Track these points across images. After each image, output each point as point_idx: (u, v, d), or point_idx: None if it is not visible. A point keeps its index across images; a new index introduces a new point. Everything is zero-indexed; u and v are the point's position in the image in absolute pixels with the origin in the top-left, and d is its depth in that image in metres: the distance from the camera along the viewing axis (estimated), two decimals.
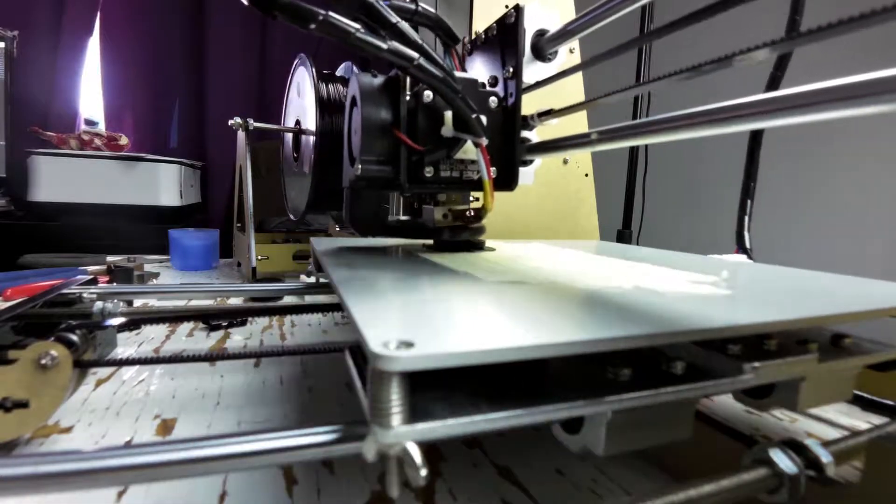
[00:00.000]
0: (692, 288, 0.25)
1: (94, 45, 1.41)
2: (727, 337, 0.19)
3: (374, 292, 0.22)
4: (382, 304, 0.20)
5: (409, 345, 0.13)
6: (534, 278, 0.26)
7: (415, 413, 0.14)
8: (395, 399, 0.14)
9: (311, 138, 0.58)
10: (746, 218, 0.51)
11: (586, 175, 0.68)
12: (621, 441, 0.18)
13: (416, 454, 0.14)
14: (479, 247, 0.38)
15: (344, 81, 0.58)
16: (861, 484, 0.20)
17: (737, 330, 0.18)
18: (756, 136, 0.51)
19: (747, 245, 0.50)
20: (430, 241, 0.40)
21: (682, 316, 0.18)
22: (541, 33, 0.34)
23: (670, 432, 0.19)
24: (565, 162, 0.67)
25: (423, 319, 0.18)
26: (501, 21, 0.33)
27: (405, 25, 0.26)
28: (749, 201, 0.51)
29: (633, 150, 1.17)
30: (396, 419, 0.14)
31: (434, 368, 0.13)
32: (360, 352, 0.18)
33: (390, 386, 0.14)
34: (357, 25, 0.23)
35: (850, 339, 0.23)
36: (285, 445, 0.15)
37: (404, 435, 0.14)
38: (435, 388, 0.16)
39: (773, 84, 0.46)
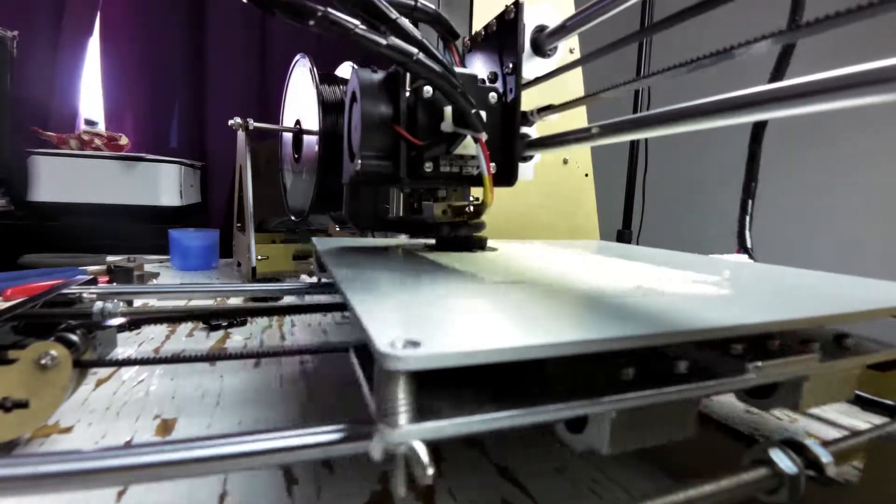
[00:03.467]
0: (694, 288, 0.25)
1: (94, 45, 1.41)
2: (729, 337, 0.19)
3: (379, 292, 0.22)
4: (387, 304, 0.20)
5: (415, 344, 0.14)
6: (537, 278, 0.26)
7: (421, 412, 0.14)
8: (402, 398, 0.14)
9: (313, 139, 0.58)
10: (747, 217, 0.51)
11: (586, 175, 0.68)
12: (625, 440, 0.18)
13: (423, 453, 0.14)
14: (481, 246, 0.38)
15: (345, 82, 0.58)
16: (861, 484, 0.20)
17: (739, 330, 0.18)
18: (757, 136, 0.51)
19: (748, 245, 0.50)
20: (432, 241, 0.40)
21: (685, 316, 0.18)
22: (540, 29, 0.34)
23: (674, 431, 0.19)
24: (565, 162, 0.67)
25: (429, 319, 0.18)
26: (501, 17, 0.33)
27: (405, 21, 0.26)
28: (750, 201, 0.51)
29: (634, 150, 1.17)
30: (403, 418, 0.14)
31: (440, 368, 0.13)
32: (365, 351, 0.18)
33: (397, 385, 0.14)
34: (356, 21, 0.23)
35: (852, 339, 0.23)
36: (289, 445, 0.15)
37: (411, 434, 0.14)
38: (440, 387, 0.16)
39: (777, 76, 0.46)
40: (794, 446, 0.18)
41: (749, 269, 0.35)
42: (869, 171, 1.08)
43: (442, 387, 0.16)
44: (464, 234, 0.37)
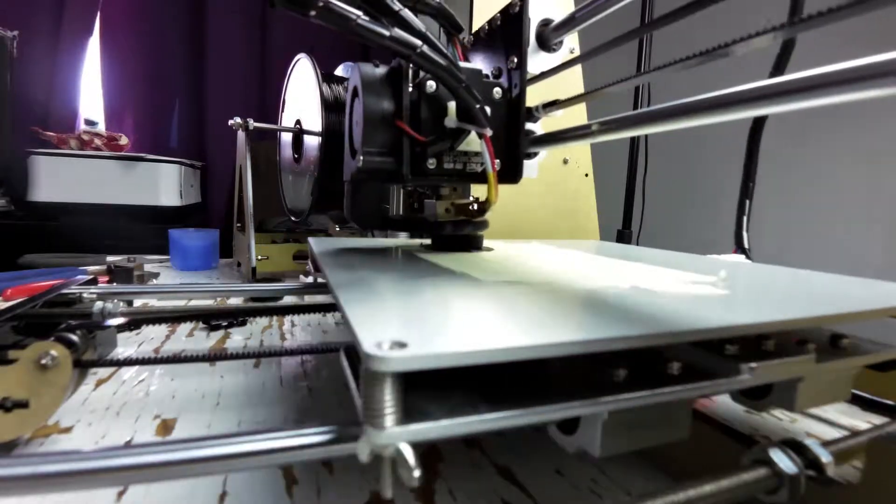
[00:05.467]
0: (689, 288, 0.25)
1: (94, 45, 1.41)
2: (724, 337, 0.19)
3: (370, 293, 0.22)
4: (378, 305, 0.20)
5: (402, 345, 0.13)
6: (531, 278, 0.26)
7: (410, 413, 0.14)
8: (389, 400, 0.14)
9: (313, 139, 0.58)
10: (745, 218, 0.50)
11: (586, 175, 0.68)
12: (617, 442, 0.18)
13: (410, 455, 0.14)
14: (477, 246, 0.38)
15: (345, 82, 0.58)
16: (861, 484, 0.20)
17: (733, 330, 0.18)
18: (754, 136, 0.51)
19: (746, 245, 0.50)
20: (429, 241, 0.40)
21: (679, 316, 0.18)
22: (545, 23, 0.33)
23: (667, 433, 0.19)
24: (565, 162, 0.67)
25: (418, 320, 0.17)
26: (505, 11, 0.32)
27: (408, 13, 0.26)
28: (748, 201, 0.51)
29: (634, 150, 1.17)
30: (390, 420, 0.14)
31: (427, 369, 0.13)
32: (354, 352, 0.18)
33: (383, 386, 0.14)
34: (358, 12, 0.23)
35: (849, 340, 0.23)
36: (279, 446, 0.15)
37: (397, 436, 0.14)
38: (432, 387, 0.16)
39: (778, 71, 0.46)
40: (794, 446, 0.18)
41: (745, 269, 0.35)
42: (867, 170, 1.08)
43: (434, 388, 0.16)
44: (460, 234, 0.37)
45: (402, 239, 0.51)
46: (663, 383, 0.17)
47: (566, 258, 0.36)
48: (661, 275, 0.29)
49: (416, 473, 0.14)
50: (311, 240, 0.42)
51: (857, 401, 0.31)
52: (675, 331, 0.16)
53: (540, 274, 0.28)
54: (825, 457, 0.18)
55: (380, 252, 0.37)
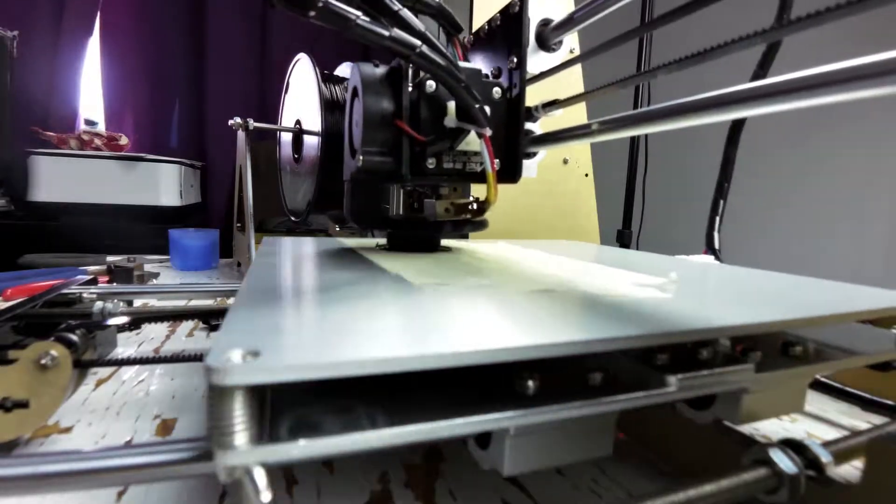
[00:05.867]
0: (634, 291, 0.23)
1: (94, 45, 1.41)
2: (654, 345, 0.17)
3: (268, 297, 0.20)
4: (265, 311, 0.18)
5: (256, 354, 0.12)
6: (464, 281, 0.25)
7: (308, 427, 0.13)
8: (239, 416, 0.13)
9: (313, 139, 0.58)
10: (717, 218, 0.50)
11: (586, 175, 0.69)
12: (528, 459, 0.17)
13: (261, 479, 0.12)
14: (433, 247, 0.38)
15: (345, 82, 0.58)
16: (861, 484, 0.20)
17: (664, 338, 0.16)
18: (732, 138, 0.50)
19: (716, 245, 0.49)
20: (384, 241, 0.40)
21: (610, 322, 0.17)
22: (545, 22, 0.33)
23: (586, 449, 0.18)
24: (565, 162, 0.67)
25: (299, 328, 0.16)
26: (505, 10, 0.32)
27: (407, 13, 0.26)
28: (722, 201, 0.50)
29: (633, 150, 1.17)
30: (240, 438, 0.13)
31: (277, 382, 0.12)
32: None
33: (232, 401, 0.12)
34: (358, 13, 0.23)
35: (800, 347, 0.21)
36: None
37: (249, 456, 0.13)
38: (339, 396, 0.15)
39: (762, 70, 0.46)
40: (794, 446, 0.18)
41: (708, 270, 0.34)
42: (869, 170, 1.08)
43: (332, 400, 0.15)
44: (413, 234, 0.37)
45: (364, 239, 0.50)
46: (582, 395, 0.16)
47: (523, 258, 0.35)
48: (611, 276, 0.28)
49: (265, 499, 0.12)
50: (265, 239, 0.42)
51: (857, 401, 0.31)
52: (599, 338, 0.15)
53: (481, 275, 0.27)
54: (825, 457, 0.18)
55: (329, 255, 0.36)
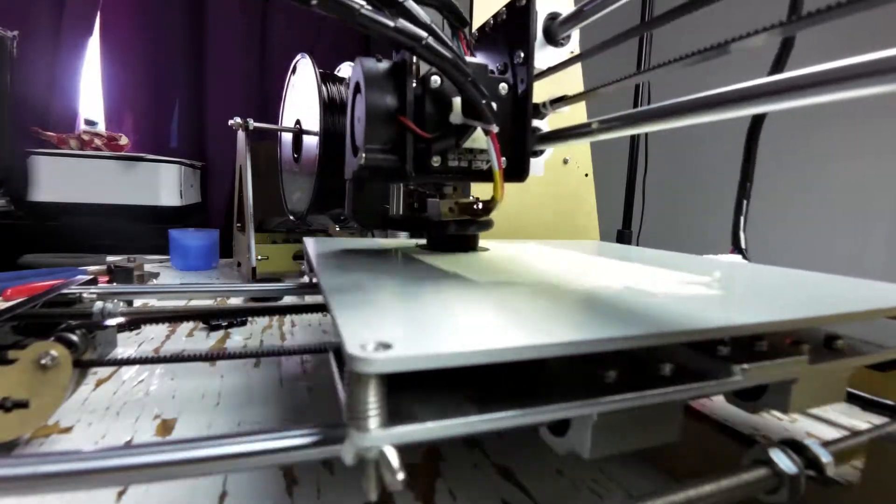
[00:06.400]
0: (683, 289, 0.24)
1: (94, 45, 1.41)
2: (716, 338, 0.19)
3: (360, 294, 0.22)
4: (367, 306, 0.19)
5: (387, 346, 0.13)
6: (524, 279, 0.26)
7: (397, 415, 0.14)
8: (373, 402, 0.14)
9: (313, 139, 0.58)
10: (742, 218, 0.50)
11: (586, 175, 0.69)
12: (607, 443, 0.18)
13: (394, 458, 0.14)
14: (473, 247, 0.38)
15: (345, 81, 0.58)
16: (861, 484, 0.20)
17: (726, 331, 0.17)
18: (753, 135, 0.51)
19: (743, 245, 0.50)
20: (424, 242, 0.40)
21: (672, 317, 0.18)
22: (553, 16, 0.33)
23: (658, 435, 0.19)
24: (565, 162, 0.67)
25: (406, 321, 0.17)
26: (511, 5, 0.31)
27: (413, 4, 0.25)
28: (745, 201, 0.51)
29: (634, 150, 1.17)
30: (374, 422, 0.14)
31: (411, 371, 0.13)
32: (341, 354, 0.18)
33: (367, 388, 0.14)
34: (361, 2, 0.22)
35: (843, 341, 0.23)
36: (262, 448, 0.15)
37: (381, 438, 0.14)
38: (422, 388, 0.16)
39: (778, 69, 0.46)
40: (794, 446, 0.18)
41: (741, 269, 0.35)
42: (865, 170, 1.08)
43: (425, 389, 0.16)
44: (456, 234, 0.36)
45: (400, 239, 0.51)
46: (654, 385, 0.17)
47: (562, 258, 0.36)
48: (656, 275, 0.29)
49: (400, 476, 0.13)
50: (306, 240, 0.42)
51: (857, 401, 0.31)
52: (666, 332, 0.16)
53: (533, 274, 0.28)
54: (825, 457, 0.18)
55: (374, 253, 0.37)
